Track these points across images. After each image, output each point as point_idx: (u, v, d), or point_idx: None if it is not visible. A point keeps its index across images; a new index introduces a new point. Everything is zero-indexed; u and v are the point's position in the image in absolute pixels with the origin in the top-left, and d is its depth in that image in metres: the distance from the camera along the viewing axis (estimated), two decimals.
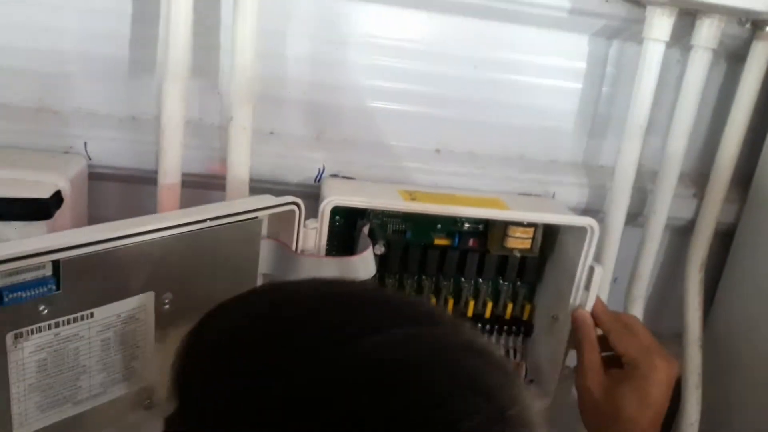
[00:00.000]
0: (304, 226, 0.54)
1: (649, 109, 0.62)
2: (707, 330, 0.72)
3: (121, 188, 0.62)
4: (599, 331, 0.60)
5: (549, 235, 0.64)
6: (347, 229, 0.61)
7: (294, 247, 0.54)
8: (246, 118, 0.56)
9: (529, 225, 0.62)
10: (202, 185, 0.60)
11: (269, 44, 0.59)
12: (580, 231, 0.59)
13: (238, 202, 0.51)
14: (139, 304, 0.46)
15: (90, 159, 0.58)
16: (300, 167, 0.62)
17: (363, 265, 0.56)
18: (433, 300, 0.65)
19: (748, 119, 0.66)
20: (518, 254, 0.63)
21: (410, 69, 0.64)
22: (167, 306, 0.48)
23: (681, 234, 0.72)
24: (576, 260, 0.60)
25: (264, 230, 0.54)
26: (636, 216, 0.68)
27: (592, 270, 0.60)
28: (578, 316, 0.60)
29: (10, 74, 0.57)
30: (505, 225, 0.62)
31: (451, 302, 0.66)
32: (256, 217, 0.52)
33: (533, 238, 0.63)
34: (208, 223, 0.47)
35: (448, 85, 0.65)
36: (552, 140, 0.68)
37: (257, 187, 0.60)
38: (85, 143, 0.58)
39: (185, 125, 0.56)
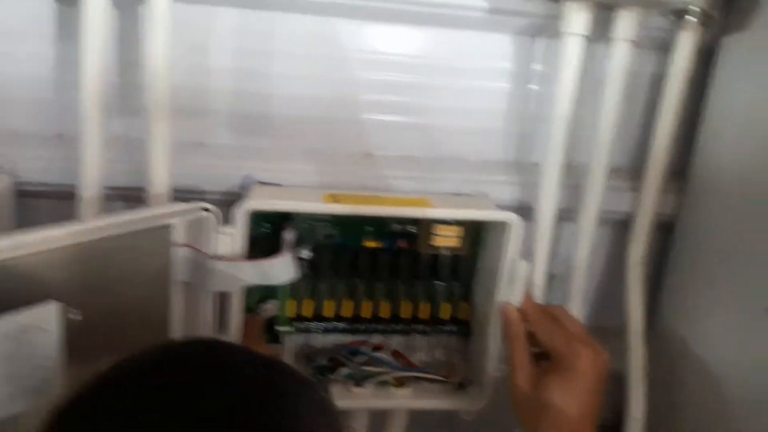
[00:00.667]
0: (219, 231, 0.55)
1: (572, 103, 0.62)
2: (655, 324, 0.71)
3: (52, 204, 0.63)
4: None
5: (477, 233, 0.64)
6: (276, 236, 0.61)
7: (211, 254, 0.54)
8: (162, 130, 0.57)
9: (456, 223, 0.62)
10: (127, 198, 0.61)
11: (192, 58, 0.61)
12: (504, 227, 0.59)
13: (145, 210, 0.52)
14: (41, 315, 0.47)
15: (17, 177, 0.60)
16: (227, 176, 0.63)
17: (280, 269, 0.56)
18: (369, 305, 0.65)
19: (677, 110, 0.66)
20: (448, 253, 0.64)
21: (336, 76, 0.65)
22: (75, 316, 0.49)
23: (621, 228, 0.72)
24: (500, 253, 0.60)
25: (179, 238, 0.55)
26: (572, 212, 0.68)
27: (515, 264, 0.60)
28: (504, 313, 0.60)
29: None
30: (432, 224, 0.62)
31: (386, 305, 0.66)
32: (168, 225, 0.52)
33: (461, 237, 0.63)
34: (111, 231, 0.48)
35: (375, 90, 0.65)
36: (483, 140, 0.69)
37: (186, 197, 0.60)
38: (11, 162, 0.59)
39: (109, 140, 0.57)
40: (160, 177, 0.58)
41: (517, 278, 0.60)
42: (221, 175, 0.63)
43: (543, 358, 0.57)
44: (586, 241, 0.67)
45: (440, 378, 0.65)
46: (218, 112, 0.64)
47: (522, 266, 0.60)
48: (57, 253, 0.46)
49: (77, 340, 0.49)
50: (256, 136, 0.65)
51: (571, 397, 0.53)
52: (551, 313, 0.58)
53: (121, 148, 0.60)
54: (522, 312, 0.60)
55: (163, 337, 0.56)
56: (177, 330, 0.57)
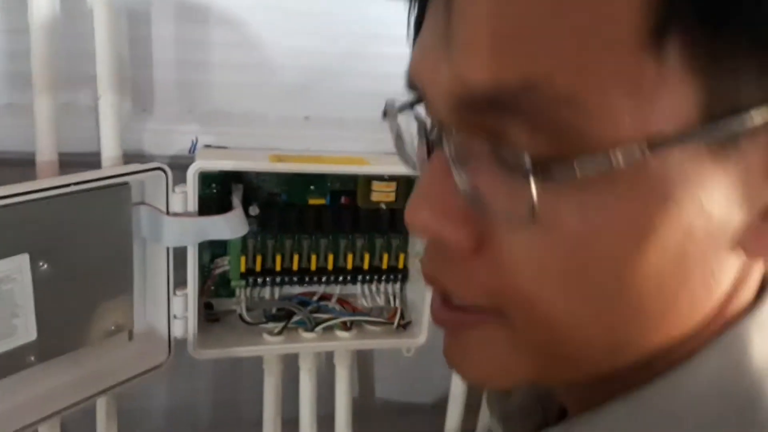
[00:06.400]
0: (173, 191, 0.59)
1: None
2: None
3: (8, 172, 0.66)
4: None
5: (411, 187, 0.70)
6: (225, 196, 0.66)
7: (165, 211, 0.59)
8: (113, 98, 0.61)
9: (391, 180, 0.68)
10: (81, 164, 0.64)
11: (135, 30, 0.64)
12: None
13: (105, 169, 0.56)
14: (14, 265, 0.51)
15: None
16: (174, 141, 0.67)
17: (230, 224, 0.61)
18: (314, 258, 0.71)
19: None
20: (384, 207, 0.70)
21: (277, 42, 0.69)
22: (44, 268, 0.53)
23: None
24: None
25: (137, 196, 0.59)
26: None
27: None
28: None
29: None
30: (369, 181, 0.68)
31: (331, 258, 0.71)
32: (125, 183, 0.57)
33: (396, 192, 0.69)
34: (74, 188, 0.52)
35: (311, 56, 0.70)
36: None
37: (136, 162, 0.64)
38: None
39: (60, 107, 0.61)
40: (111, 140, 0.61)
41: None
42: (168, 141, 0.67)
43: None
44: None
45: (383, 320, 0.71)
46: (163, 81, 0.67)
47: None
48: (25, 209, 0.50)
49: (44, 290, 0.53)
50: (198, 102, 0.69)
51: None
52: None
53: (74, 116, 0.63)
54: None
55: (126, 291, 0.60)
56: (137, 285, 0.61)
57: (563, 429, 0.29)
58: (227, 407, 0.82)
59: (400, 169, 0.65)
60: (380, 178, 0.68)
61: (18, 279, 0.51)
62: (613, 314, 0.24)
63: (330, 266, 0.71)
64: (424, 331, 0.70)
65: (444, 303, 0.28)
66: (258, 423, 0.75)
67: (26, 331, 0.53)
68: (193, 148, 0.67)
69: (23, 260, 0.51)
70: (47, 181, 0.51)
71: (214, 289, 0.70)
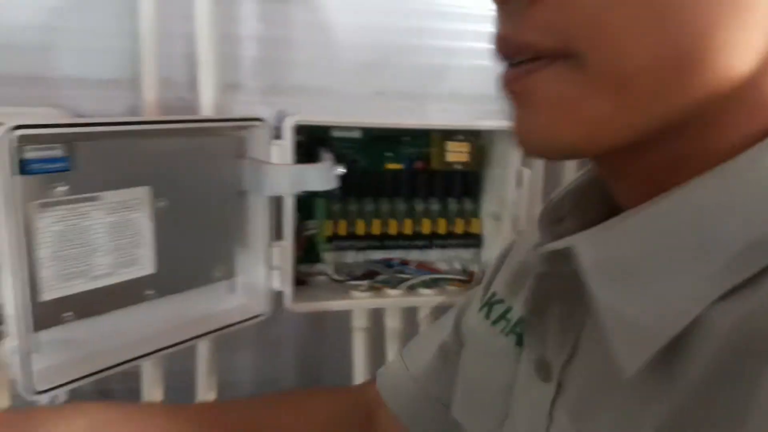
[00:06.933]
0: (271, 144, 0.64)
1: None
2: None
3: None
4: None
5: (483, 150, 0.74)
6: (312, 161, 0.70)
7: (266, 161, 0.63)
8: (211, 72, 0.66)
9: (465, 139, 0.73)
10: None
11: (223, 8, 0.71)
12: (507, 137, 0.70)
13: (213, 118, 0.61)
14: (138, 195, 0.55)
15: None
16: (260, 113, 0.72)
17: (323, 174, 0.65)
18: (394, 223, 0.74)
19: None
20: (459, 167, 0.74)
21: (351, 21, 0.75)
22: (162, 204, 0.57)
23: None
24: (508, 163, 0.71)
25: (240, 151, 0.63)
26: None
27: (521, 172, 0.71)
28: None
29: None
30: (443, 142, 0.72)
31: (408, 223, 0.75)
32: (232, 135, 0.61)
33: (470, 152, 0.73)
34: (195, 125, 0.57)
35: (383, 34, 0.76)
36: (479, 77, 0.80)
37: None
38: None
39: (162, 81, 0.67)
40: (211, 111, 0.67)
41: (524, 180, 0.70)
42: (255, 113, 0.72)
43: None
44: None
45: (464, 278, 0.74)
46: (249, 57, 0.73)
47: (526, 173, 0.71)
48: (147, 143, 0.54)
49: (162, 225, 0.57)
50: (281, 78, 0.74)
51: None
52: None
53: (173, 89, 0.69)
54: None
55: (230, 240, 0.64)
56: (240, 236, 0.65)
57: (647, 209, 0.29)
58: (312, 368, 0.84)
59: (478, 123, 0.71)
60: (454, 137, 0.72)
61: (141, 210, 0.55)
62: (678, 35, 0.25)
63: (408, 231, 0.75)
64: None
65: (512, 66, 0.30)
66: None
67: (146, 263, 0.56)
68: (279, 120, 0.72)
69: (145, 192, 0.55)
70: (171, 117, 0.56)
71: (300, 256, 0.74)
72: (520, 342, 0.41)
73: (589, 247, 0.29)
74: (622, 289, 0.28)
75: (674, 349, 0.27)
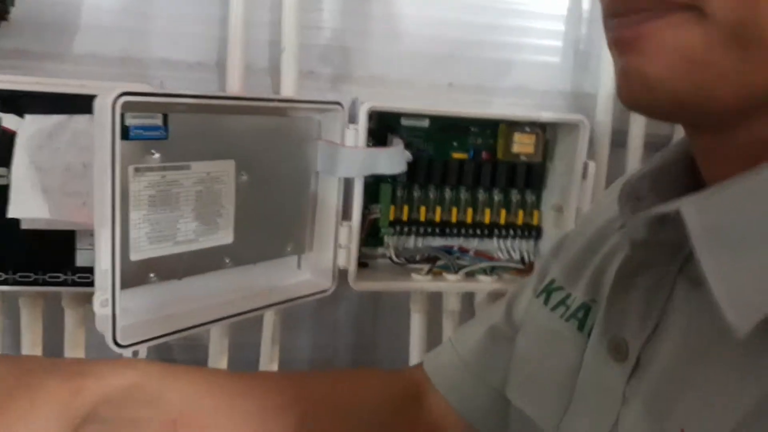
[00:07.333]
0: (347, 127, 0.66)
1: None
2: None
3: None
4: None
5: (548, 143, 0.76)
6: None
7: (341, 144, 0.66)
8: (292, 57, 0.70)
9: (531, 131, 0.74)
10: None
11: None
12: (576, 128, 0.71)
13: (294, 100, 0.64)
14: (223, 168, 0.58)
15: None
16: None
17: (394, 157, 0.67)
18: (455, 210, 0.76)
19: None
20: (524, 158, 0.75)
21: (425, 14, 0.77)
22: (244, 178, 0.60)
23: None
24: (573, 155, 0.72)
25: (315, 134, 0.66)
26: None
27: (586, 165, 0.72)
28: None
29: None
30: (510, 134, 0.74)
31: (470, 211, 0.77)
32: (311, 117, 0.64)
33: (536, 144, 0.75)
34: (278, 104, 0.60)
35: (456, 27, 0.78)
36: (544, 72, 0.81)
37: None
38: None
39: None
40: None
41: (588, 174, 0.71)
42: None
43: None
44: None
45: (521, 267, 0.75)
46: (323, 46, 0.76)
47: (591, 166, 0.72)
48: (234, 120, 0.58)
49: (244, 199, 0.60)
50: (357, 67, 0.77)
51: None
52: None
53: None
54: None
55: (303, 218, 0.67)
56: (312, 215, 0.68)
57: (750, 177, 0.28)
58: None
59: (545, 115, 0.72)
60: (521, 128, 0.73)
61: (225, 182, 0.58)
62: None
63: (469, 219, 0.77)
64: None
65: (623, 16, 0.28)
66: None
67: (226, 233, 0.60)
68: (353, 107, 0.75)
69: (230, 166, 0.59)
70: (255, 95, 0.60)
71: (363, 238, 0.76)
72: (581, 327, 0.41)
73: (695, 211, 0.29)
74: (730, 254, 0.28)
75: None
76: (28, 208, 0.57)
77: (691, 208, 0.29)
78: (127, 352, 0.54)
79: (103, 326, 0.53)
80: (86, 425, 0.38)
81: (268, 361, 0.72)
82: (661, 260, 0.34)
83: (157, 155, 0.53)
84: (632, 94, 0.29)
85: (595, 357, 0.39)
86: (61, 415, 0.37)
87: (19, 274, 0.59)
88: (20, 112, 0.57)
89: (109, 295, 0.51)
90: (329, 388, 0.52)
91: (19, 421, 0.35)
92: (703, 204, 0.29)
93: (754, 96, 0.27)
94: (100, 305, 0.52)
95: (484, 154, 0.76)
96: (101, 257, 0.51)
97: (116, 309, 0.52)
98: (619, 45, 0.29)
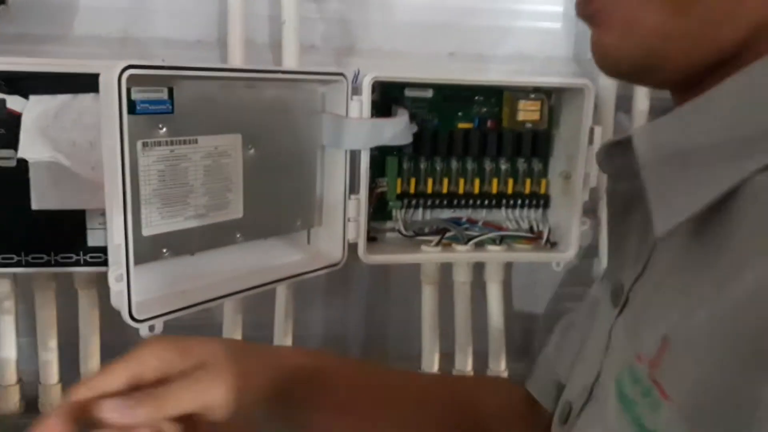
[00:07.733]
0: (351, 99, 0.66)
1: None
2: None
3: None
4: None
5: (552, 109, 0.75)
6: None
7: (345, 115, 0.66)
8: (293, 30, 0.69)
9: (536, 98, 0.74)
10: None
11: None
12: (581, 93, 0.71)
13: (298, 69, 0.64)
14: (230, 141, 0.58)
15: None
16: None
17: (399, 128, 0.67)
18: (462, 181, 0.76)
19: None
20: (530, 126, 0.75)
21: None
22: (251, 152, 0.60)
23: None
24: (578, 121, 0.71)
25: (320, 107, 0.66)
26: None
27: (592, 130, 0.72)
28: None
29: None
30: (515, 101, 0.74)
31: (477, 182, 0.76)
32: (315, 90, 0.64)
33: (541, 111, 0.74)
34: (281, 75, 0.60)
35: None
36: (546, 39, 0.81)
37: None
38: None
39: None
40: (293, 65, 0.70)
41: (595, 138, 0.71)
42: None
43: None
44: None
45: (531, 236, 0.75)
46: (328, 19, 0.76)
47: (597, 130, 0.71)
48: (240, 92, 0.57)
49: (251, 172, 0.60)
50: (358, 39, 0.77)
51: None
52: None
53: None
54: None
55: (311, 192, 0.67)
56: (320, 190, 0.68)
57: (698, 99, 0.30)
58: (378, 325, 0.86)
59: (550, 80, 0.72)
60: (526, 96, 0.73)
61: (233, 156, 0.58)
62: None
63: (476, 190, 0.76)
64: (573, 246, 0.74)
65: None
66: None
67: (236, 208, 0.60)
68: (355, 80, 0.74)
69: (237, 140, 0.58)
70: (258, 67, 0.59)
71: (371, 213, 0.76)
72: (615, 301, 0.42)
73: (645, 136, 0.32)
74: (671, 170, 0.30)
75: (716, 217, 0.28)
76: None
77: (642, 134, 0.32)
78: (143, 327, 0.55)
79: (119, 301, 0.53)
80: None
81: (282, 336, 0.73)
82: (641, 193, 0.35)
83: (164, 129, 0.53)
84: (599, 62, 0.33)
85: (603, 307, 0.40)
86: (274, 372, 0.43)
87: (31, 255, 0.59)
88: (25, 94, 0.57)
89: (123, 270, 0.52)
90: (475, 392, 0.56)
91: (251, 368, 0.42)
92: (652, 129, 0.32)
93: (709, 54, 0.30)
94: (115, 280, 0.52)
95: (489, 123, 0.75)
96: (114, 232, 0.51)
97: (131, 283, 0.52)
98: (584, 20, 0.33)
